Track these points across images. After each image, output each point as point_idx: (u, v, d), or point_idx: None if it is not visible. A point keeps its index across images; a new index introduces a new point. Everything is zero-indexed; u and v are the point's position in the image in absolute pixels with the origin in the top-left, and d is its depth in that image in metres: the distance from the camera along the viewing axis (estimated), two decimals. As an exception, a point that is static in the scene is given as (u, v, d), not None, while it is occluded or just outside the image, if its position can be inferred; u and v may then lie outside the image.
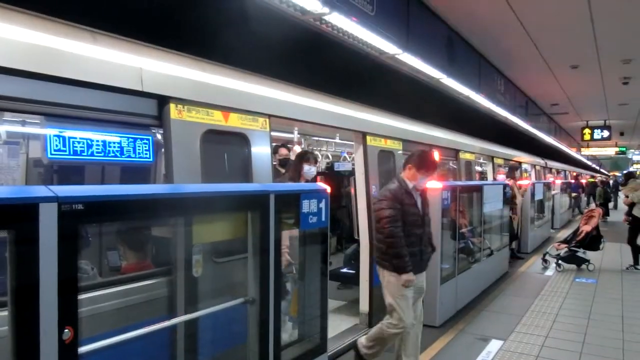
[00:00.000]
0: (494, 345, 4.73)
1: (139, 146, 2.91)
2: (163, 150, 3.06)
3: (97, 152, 2.72)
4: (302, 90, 4.41)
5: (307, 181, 4.46)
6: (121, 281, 2.64)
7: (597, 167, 37.34)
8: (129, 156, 2.85)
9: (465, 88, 7.29)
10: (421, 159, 3.91)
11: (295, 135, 5.54)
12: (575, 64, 9.28)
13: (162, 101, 2.97)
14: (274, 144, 5.76)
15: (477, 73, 8.11)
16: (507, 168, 10.91)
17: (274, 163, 5.72)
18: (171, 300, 2.49)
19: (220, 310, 2.57)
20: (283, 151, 5.63)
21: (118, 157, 2.80)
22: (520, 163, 12.27)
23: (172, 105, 2.99)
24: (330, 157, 7.17)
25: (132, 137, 2.88)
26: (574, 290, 7.06)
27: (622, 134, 20.42)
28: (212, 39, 3.73)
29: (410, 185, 3.87)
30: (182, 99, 3.06)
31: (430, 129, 7.25)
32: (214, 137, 3.29)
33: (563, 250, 8.47)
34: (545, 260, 8.77)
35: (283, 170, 5.54)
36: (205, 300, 2.59)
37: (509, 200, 8.75)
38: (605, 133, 16.14)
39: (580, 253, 8.38)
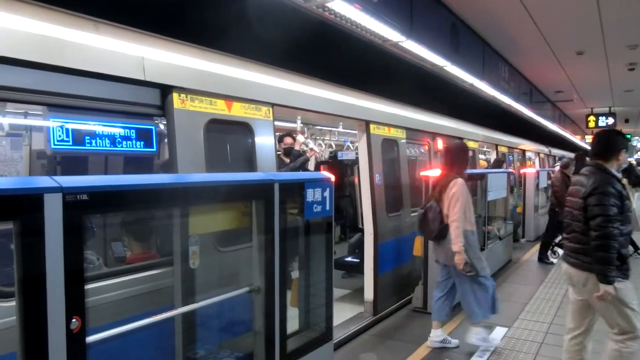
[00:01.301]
0: (499, 332, 4.74)
1: (142, 136, 2.90)
2: (166, 140, 3.06)
3: (101, 143, 2.71)
4: (306, 79, 4.38)
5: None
6: (127, 271, 2.64)
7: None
8: (132, 146, 2.84)
9: (469, 75, 7.23)
10: (620, 137, 3.25)
11: (298, 125, 5.52)
12: (580, 50, 9.17)
13: (165, 91, 2.96)
14: (279, 134, 5.77)
15: (481, 60, 8.03)
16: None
17: (278, 152, 5.71)
18: (176, 290, 2.50)
19: (226, 299, 2.58)
20: (288, 140, 5.60)
21: (121, 147, 2.80)
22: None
23: (175, 95, 2.98)
24: (334, 146, 7.16)
25: (135, 127, 2.87)
26: (578, 277, 7.05)
27: (627, 120, 20.25)
28: (215, 28, 3.71)
29: (619, 175, 3.19)
30: (185, 88, 3.05)
31: (434, 117, 7.21)
32: (218, 127, 3.28)
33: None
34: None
35: (287, 160, 5.53)
36: (209, 290, 2.60)
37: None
38: (610, 120, 15.99)
39: None
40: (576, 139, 23.84)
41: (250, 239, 2.65)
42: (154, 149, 2.99)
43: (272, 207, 2.56)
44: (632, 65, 10.24)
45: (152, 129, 2.98)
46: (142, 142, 2.90)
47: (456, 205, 3.99)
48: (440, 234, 4.11)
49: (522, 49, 9.06)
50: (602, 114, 15.99)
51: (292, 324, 3.16)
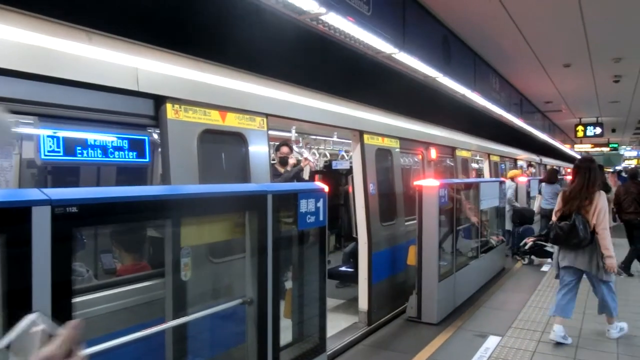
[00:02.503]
0: (492, 341, 4.73)
1: (135, 146, 2.88)
2: (160, 150, 3.04)
3: (92, 153, 2.68)
4: (300, 89, 4.39)
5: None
6: (117, 283, 2.61)
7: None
8: (125, 157, 2.82)
9: (460, 87, 7.29)
10: None
11: (292, 134, 5.53)
12: (567, 63, 9.30)
13: (159, 101, 2.95)
14: (274, 143, 5.77)
15: (472, 71, 8.11)
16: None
17: (273, 162, 5.70)
18: (167, 303, 2.46)
19: (219, 311, 2.55)
20: (284, 149, 5.61)
21: (114, 157, 2.77)
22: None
23: (168, 105, 2.97)
24: (328, 155, 7.17)
25: (128, 137, 2.85)
26: (570, 286, 7.07)
27: (613, 130, 20.53)
28: (210, 39, 3.70)
29: None
30: (179, 98, 3.04)
31: (428, 127, 7.26)
32: (212, 137, 3.27)
33: (529, 244, 8.46)
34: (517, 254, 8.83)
35: (282, 170, 5.52)
36: (202, 302, 2.57)
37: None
38: (598, 130, 16.21)
39: (549, 247, 8.28)
40: (566, 148, 24.09)
41: (244, 250, 2.63)
42: (147, 160, 2.96)
43: (265, 218, 2.55)
44: (617, 77, 10.41)
45: (145, 139, 2.96)
46: (134, 153, 2.87)
47: (605, 216, 4.47)
48: (590, 241, 4.51)
49: (512, 61, 9.17)
50: (590, 124, 16.19)
51: (286, 336, 3.13)
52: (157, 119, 2.95)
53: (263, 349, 2.58)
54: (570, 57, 8.94)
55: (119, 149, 2.81)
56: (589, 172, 4.57)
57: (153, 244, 2.98)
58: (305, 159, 5.52)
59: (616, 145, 26.05)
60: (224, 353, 2.83)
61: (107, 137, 2.76)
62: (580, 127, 16.44)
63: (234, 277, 2.91)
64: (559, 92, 12.34)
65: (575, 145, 25.47)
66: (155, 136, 3.08)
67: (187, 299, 2.52)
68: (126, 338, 2.08)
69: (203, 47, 3.46)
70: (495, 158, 11.23)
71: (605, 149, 26.20)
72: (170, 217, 2.35)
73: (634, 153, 33.54)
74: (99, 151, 2.73)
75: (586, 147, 24.99)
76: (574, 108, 15.14)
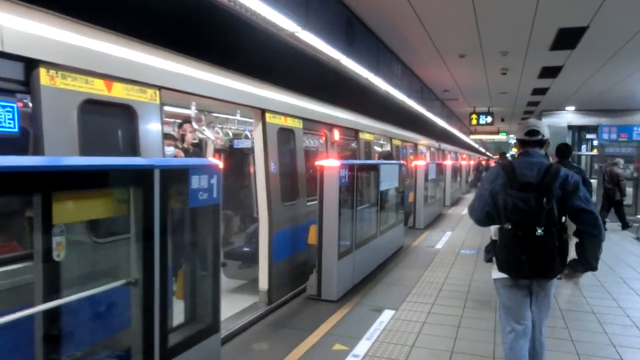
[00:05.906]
0: (387, 314, 5.01)
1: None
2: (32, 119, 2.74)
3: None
4: (198, 63, 4.20)
5: None
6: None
7: (484, 150, 41.07)
8: (-13, 126, 2.49)
9: (364, 70, 7.49)
10: None
11: (192, 111, 5.29)
12: (462, 53, 9.95)
13: (31, 65, 2.66)
14: (179, 121, 5.51)
15: (375, 57, 8.36)
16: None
17: (173, 143, 5.44)
18: (37, 287, 2.25)
19: (101, 294, 2.38)
20: (187, 127, 5.41)
21: (-28, 126, 2.44)
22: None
23: (42, 70, 2.69)
24: (231, 134, 7.00)
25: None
26: (458, 261, 7.73)
27: (502, 120, 22.56)
28: (93, 1, 3.38)
29: None
30: (55, 63, 2.76)
31: (331, 108, 7.38)
32: (95, 108, 3.03)
33: None
34: None
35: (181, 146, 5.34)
36: (81, 285, 2.38)
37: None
38: (489, 119, 17.71)
39: None
40: (462, 135, 26.03)
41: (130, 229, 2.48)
42: (16, 129, 2.65)
43: (151, 194, 2.42)
44: (504, 70, 11.37)
45: (13, 106, 2.64)
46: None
47: None
48: None
49: (413, 49, 9.61)
50: (483, 113, 17.61)
51: (177, 317, 3.03)
52: (29, 85, 2.66)
53: (149, 332, 2.47)
54: (464, 48, 9.58)
55: (-21, 117, 2.48)
56: None
57: (23, 222, 2.69)
58: (204, 135, 5.36)
59: (505, 134, 28.63)
60: (106, 339, 2.67)
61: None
62: (474, 116, 17.82)
63: (121, 258, 2.74)
64: (455, 81, 13.22)
65: (471, 135, 27.63)
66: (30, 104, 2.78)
67: (61, 281, 2.32)
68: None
69: (86, 9, 3.16)
70: (397, 142, 11.79)
71: (497, 137, 28.68)
72: (38, 191, 2.13)
73: (519, 141, 37.00)
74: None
75: (481, 136, 27.21)
76: (468, 97, 16.34)
